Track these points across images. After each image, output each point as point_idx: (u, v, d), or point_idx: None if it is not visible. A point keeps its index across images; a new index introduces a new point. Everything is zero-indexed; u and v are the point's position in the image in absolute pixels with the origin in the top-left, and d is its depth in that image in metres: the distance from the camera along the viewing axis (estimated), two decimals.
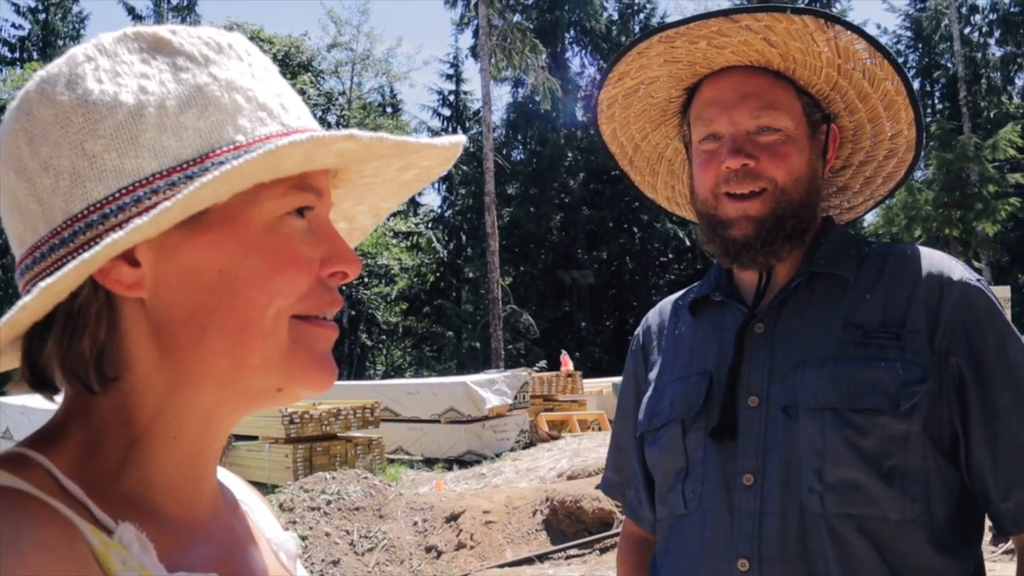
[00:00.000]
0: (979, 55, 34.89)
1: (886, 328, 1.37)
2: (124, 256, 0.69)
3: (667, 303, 1.72)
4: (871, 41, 1.43)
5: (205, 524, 0.79)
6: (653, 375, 1.62)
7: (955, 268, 1.42)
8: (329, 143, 0.69)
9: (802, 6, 1.41)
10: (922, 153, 1.60)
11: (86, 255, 0.64)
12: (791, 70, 1.47)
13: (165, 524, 0.73)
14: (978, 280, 1.42)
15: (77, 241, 0.68)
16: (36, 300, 0.65)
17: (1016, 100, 35.37)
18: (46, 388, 0.74)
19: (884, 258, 1.46)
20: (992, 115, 32.41)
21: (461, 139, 0.79)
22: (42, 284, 0.64)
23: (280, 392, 0.75)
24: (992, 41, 35.81)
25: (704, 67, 1.50)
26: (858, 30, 1.42)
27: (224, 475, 0.90)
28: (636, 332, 1.75)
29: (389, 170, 0.83)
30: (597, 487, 8.47)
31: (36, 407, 10.62)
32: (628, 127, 1.66)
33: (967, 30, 34.69)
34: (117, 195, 0.68)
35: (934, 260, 1.43)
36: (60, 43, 36.35)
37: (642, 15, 40.89)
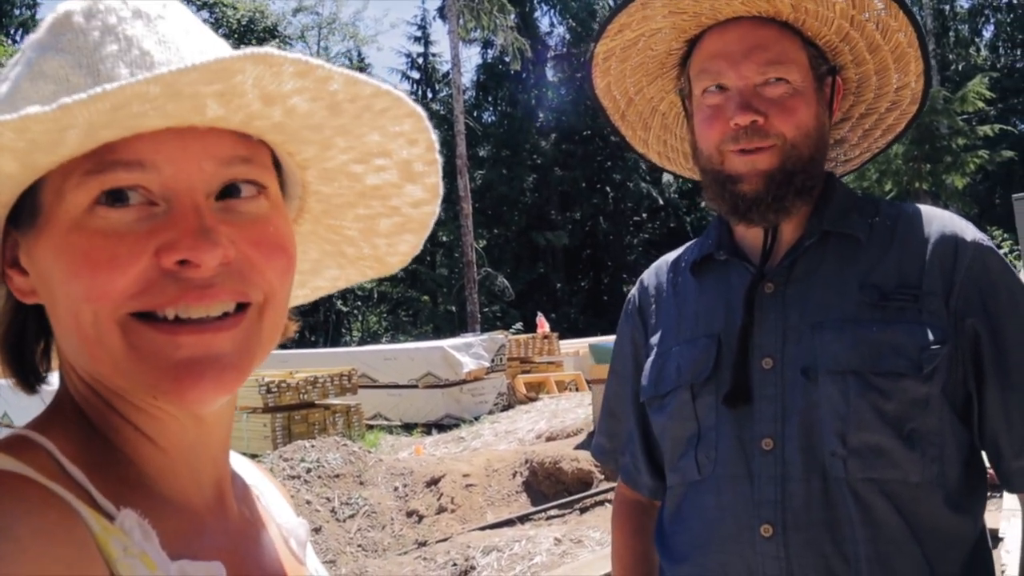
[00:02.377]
0: (947, 7, 34.96)
1: (903, 290, 1.35)
2: (16, 266, 0.71)
3: (663, 263, 1.67)
4: None
5: (211, 511, 0.77)
6: (655, 339, 1.57)
7: (967, 229, 1.40)
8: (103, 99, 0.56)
9: None
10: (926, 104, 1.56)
11: None
12: (800, 21, 1.42)
13: (168, 511, 0.72)
14: (989, 240, 1.41)
15: None
16: None
17: (984, 52, 35.53)
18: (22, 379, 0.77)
19: (895, 218, 1.43)
20: (960, 68, 32.56)
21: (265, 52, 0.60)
22: None
23: (158, 400, 0.69)
24: None
25: (709, 18, 1.43)
26: None
27: (236, 460, 0.89)
28: (631, 293, 1.70)
29: (300, 111, 0.68)
30: (587, 451, 8.53)
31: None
32: (623, 81, 1.60)
33: None
34: None
35: (945, 221, 1.41)
36: (16, 12, 35.54)
37: None
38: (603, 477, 8.38)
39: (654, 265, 1.69)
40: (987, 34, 37.55)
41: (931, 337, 1.32)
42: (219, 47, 0.73)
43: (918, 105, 1.54)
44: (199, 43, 0.71)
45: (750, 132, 1.37)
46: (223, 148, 0.69)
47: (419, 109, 0.73)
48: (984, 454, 1.39)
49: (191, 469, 0.76)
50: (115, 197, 0.65)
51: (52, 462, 0.67)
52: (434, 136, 0.77)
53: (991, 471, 1.40)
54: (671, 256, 1.67)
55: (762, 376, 1.38)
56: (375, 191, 0.83)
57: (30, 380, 0.77)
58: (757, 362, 1.39)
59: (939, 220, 1.41)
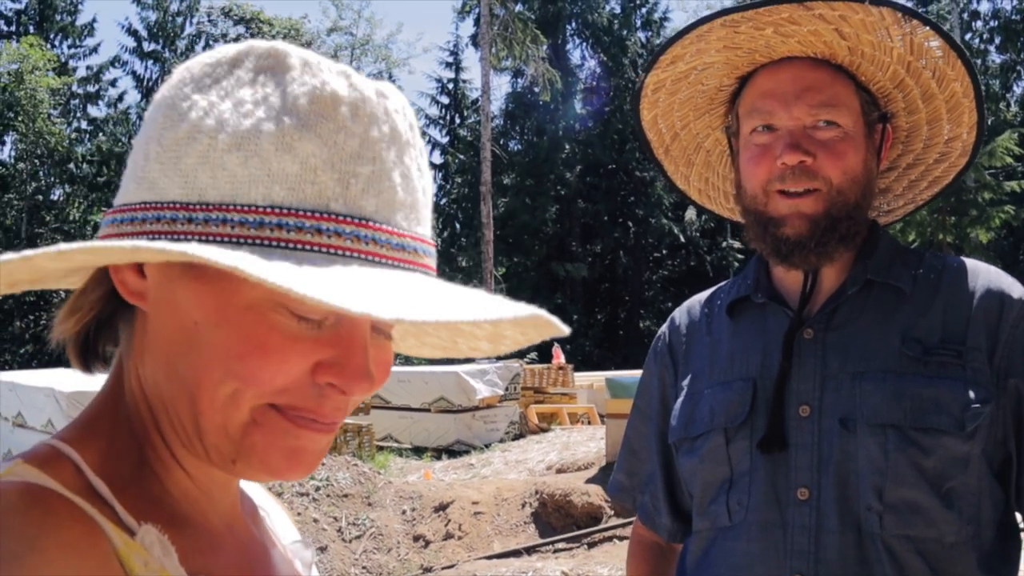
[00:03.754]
0: (979, 61, 34.94)
1: (946, 345, 1.33)
2: (135, 264, 0.70)
3: (696, 302, 1.64)
4: (947, 39, 1.36)
5: (225, 529, 0.78)
6: (686, 380, 1.55)
7: (1014, 287, 1.38)
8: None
9: None
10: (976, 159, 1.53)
11: (98, 244, 0.62)
12: (856, 65, 1.40)
13: (186, 528, 0.73)
14: None
15: (106, 229, 0.70)
16: (50, 256, 0.62)
17: (1014, 108, 35.46)
18: (86, 364, 0.77)
19: (940, 271, 1.41)
20: (990, 122, 32.46)
21: (535, 312, 0.67)
22: (63, 247, 0.61)
23: (235, 464, 0.70)
24: (992, 48, 35.88)
25: (764, 56, 1.42)
26: (935, 27, 1.35)
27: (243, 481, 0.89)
28: (661, 331, 1.67)
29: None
30: (598, 484, 8.44)
31: (25, 384, 10.54)
32: (670, 114, 1.58)
33: (968, 36, 34.72)
34: (140, 206, 0.68)
35: (992, 276, 1.39)
36: (58, 17, 36.10)
37: (644, 9, 40.81)
38: (613, 512, 8.31)
39: (686, 303, 1.67)
40: (1018, 90, 37.48)
41: (974, 395, 1.29)
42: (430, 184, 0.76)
43: (968, 158, 1.52)
44: (426, 178, 0.75)
45: (797, 172, 1.35)
46: None
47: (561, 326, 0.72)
48: (1020, 516, 1.37)
49: (212, 498, 0.77)
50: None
51: (78, 475, 0.68)
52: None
53: None
54: (704, 295, 1.65)
55: (799, 423, 1.36)
56: (456, 330, 0.86)
57: (90, 364, 0.77)
58: (794, 409, 1.37)
59: (985, 275, 1.39)
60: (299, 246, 0.64)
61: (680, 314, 1.65)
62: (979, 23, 35.60)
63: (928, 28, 1.35)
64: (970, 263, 1.42)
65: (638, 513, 1.69)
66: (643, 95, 1.55)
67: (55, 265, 0.66)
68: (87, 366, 0.76)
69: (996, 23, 35.09)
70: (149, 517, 0.69)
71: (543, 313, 0.68)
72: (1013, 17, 34.43)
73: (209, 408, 0.68)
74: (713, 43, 1.41)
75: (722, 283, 1.64)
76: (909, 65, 1.40)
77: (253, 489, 0.92)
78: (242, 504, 0.85)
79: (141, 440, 0.73)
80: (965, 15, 34.43)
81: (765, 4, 1.33)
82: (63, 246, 0.60)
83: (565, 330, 0.70)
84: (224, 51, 0.71)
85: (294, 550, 0.89)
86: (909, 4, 1.33)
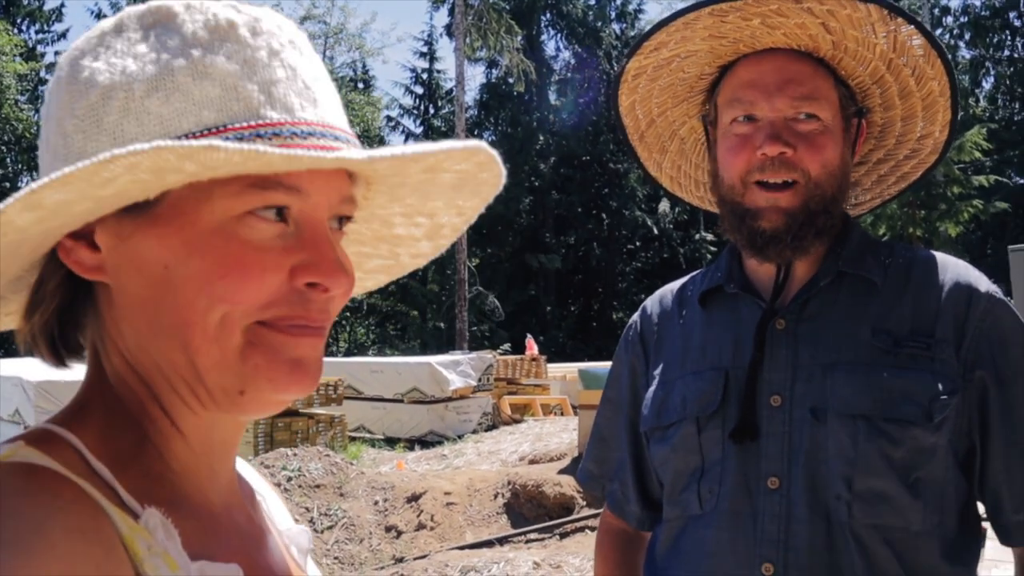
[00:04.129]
0: (949, 57, 35.30)
1: (915, 337, 1.35)
2: (84, 239, 0.69)
3: (667, 291, 1.65)
4: (930, 38, 1.38)
5: (225, 513, 0.78)
6: (657, 369, 1.55)
7: (981, 281, 1.40)
8: (258, 157, 0.61)
9: None
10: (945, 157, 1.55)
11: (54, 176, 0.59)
12: (837, 59, 1.41)
13: (186, 510, 0.72)
14: (1002, 294, 1.41)
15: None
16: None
17: (983, 103, 35.88)
18: (59, 357, 0.76)
19: (910, 263, 1.43)
20: (959, 117, 32.83)
21: (475, 144, 0.71)
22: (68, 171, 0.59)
23: (243, 395, 0.71)
24: (962, 44, 36.27)
25: (748, 46, 1.41)
26: (920, 25, 1.37)
27: (241, 465, 0.89)
28: (632, 320, 1.68)
29: (414, 174, 0.77)
30: (571, 476, 8.46)
31: None
32: (648, 101, 1.57)
33: (938, 31, 35.06)
34: None
35: (960, 270, 1.41)
36: (25, 2, 35.54)
37: (618, 1, 40.83)
38: (585, 503, 8.34)
39: (658, 293, 1.67)
40: (987, 85, 37.94)
41: (942, 387, 1.31)
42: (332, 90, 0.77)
43: (938, 156, 1.54)
44: (328, 84, 0.76)
45: (777, 163, 1.36)
46: (345, 187, 0.74)
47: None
48: (981, 506, 1.39)
49: (211, 468, 0.77)
50: (278, 212, 0.69)
51: (78, 458, 0.67)
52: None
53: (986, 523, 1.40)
54: (676, 284, 1.65)
55: (770, 413, 1.37)
56: (394, 239, 0.90)
57: (62, 357, 0.76)
58: (766, 398, 1.38)
59: (953, 269, 1.41)
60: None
61: (652, 303, 1.66)
62: (949, 19, 35.99)
63: (912, 27, 1.36)
64: (939, 256, 1.44)
65: (607, 501, 1.69)
66: (623, 80, 1.54)
67: (36, 223, 0.63)
68: (61, 360, 0.76)
69: (966, 19, 35.49)
70: (151, 498, 0.68)
71: (484, 146, 0.70)
72: (983, 13, 34.84)
73: (203, 343, 0.68)
74: (699, 31, 1.41)
75: (694, 272, 1.64)
76: (890, 62, 1.41)
77: (250, 474, 0.92)
78: (240, 488, 0.85)
79: (137, 416, 0.72)
80: (936, 11, 34.78)
81: None
82: (68, 171, 0.58)
83: (501, 173, 0.77)
84: (103, 23, 0.72)
85: (291, 536, 0.89)
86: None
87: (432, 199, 0.82)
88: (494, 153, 0.73)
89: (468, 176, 0.77)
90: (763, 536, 1.33)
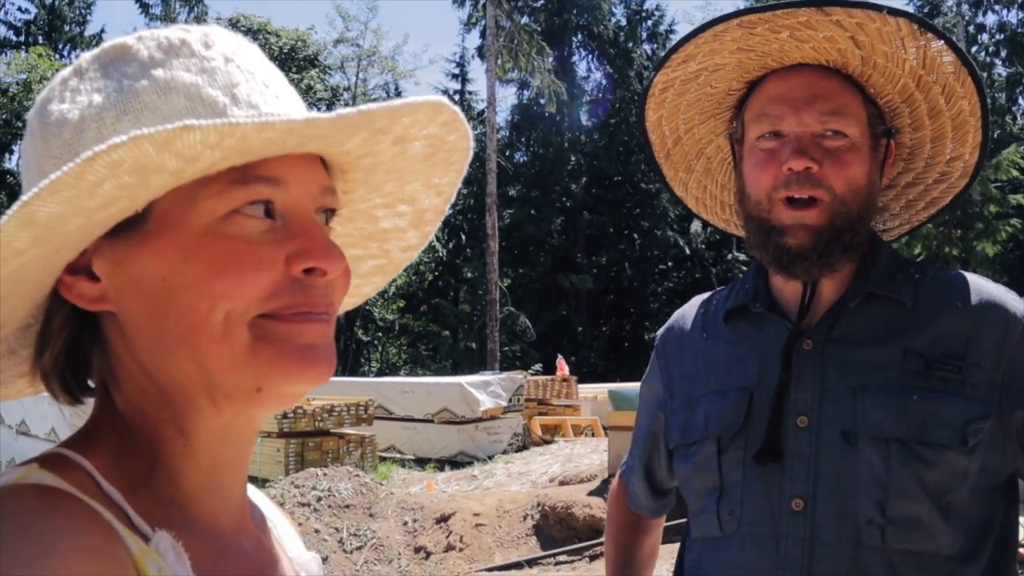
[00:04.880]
0: (985, 75, 34.94)
1: (947, 360, 1.32)
2: (83, 272, 0.71)
3: (691, 309, 1.64)
4: (960, 55, 1.35)
5: (234, 536, 0.78)
6: (683, 386, 1.55)
7: (1017, 303, 1.37)
8: (229, 130, 0.62)
9: (898, 7, 1.32)
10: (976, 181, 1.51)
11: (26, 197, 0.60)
12: (866, 76, 1.40)
13: (196, 534, 0.73)
14: None
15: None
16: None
17: (1020, 121, 35.43)
18: (67, 394, 0.77)
19: (942, 285, 1.40)
20: (996, 135, 32.43)
21: (435, 99, 0.71)
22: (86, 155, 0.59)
23: (261, 392, 0.72)
24: (998, 61, 35.89)
25: (776, 60, 1.40)
26: (950, 41, 1.34)
27: (252, 492, 0.90)
28: (658, 337, 1.68)
29: (384, 150, 0.77)
30: (601, 497, 8.39)
31: None
32: (675, 116, 1.56)
33: (974, 49, 34.75)
34: None
35: (994, 292, 1.38)
36: (66, 28, 36.31)
37: (650, 22, 40.90)
38: None
39: (682, 309, 1.66)
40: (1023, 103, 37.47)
41: (974, 411, 1.29)
42: (290, 90, 0.79)
43: (968, 180, 1.50)
44: (286, 83, 0.79)
45: (802, 179, 1.34)
46: (323, 177, 0.76)
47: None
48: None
49: (221, 487, 0.77)
50: (265, 210, 0.71)
51: (90, 481, 0.68)
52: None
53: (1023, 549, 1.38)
54: (699, 299, 1.64)
55: (796, 434, 1.35)
56: (382, 234, 0.91)
57: (75, 394, 0.77)
58: (791, 419, 1.36)
59: (987, 291, 1.38)
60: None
61: (676, 319, 1.65)
62: (985, 36, 35.62)
63: (943, 43, 1.34)
64: (973, 278, 1.41)
65: (623, 482, 1.79)
66: (651, 94, 1.53)
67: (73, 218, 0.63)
68: (74, 397, 0.77)
69: (1002, 36, 35.11)
70: (161, 521, 0.69)
71: (445, 101, 0.72)
72: (1019, 30, 34.46)
73: (211, 345, 0.69)
74: (727, 44, 1.39)
75: (719, 288, 1.63)
76: (920, 79, 1.39)
77: (261, 500, 0.92)
78: (251, 514, 0.85)
79: (149, 441, 0.73)
80: (971, 28, 34.46)
81: (784, 6, 1.31)
82: (86, 155, 0.59)
83: (468, 133, 0.78)
84: (62, 72, 0.74)
85: (301, 563, 0.89)
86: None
87: (408, 180, 0.84)
88: (456, 109, 0.74)
89: (438, 142, 0.78)
90: (786, 559, 1.32)
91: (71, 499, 0.65)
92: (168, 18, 36.61)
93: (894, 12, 1.29)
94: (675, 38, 41.18)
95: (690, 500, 1.49)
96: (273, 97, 0.73)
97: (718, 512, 1.40)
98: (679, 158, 1.63)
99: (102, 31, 37.51)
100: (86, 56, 0.74)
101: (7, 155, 33.16)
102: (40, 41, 34.79)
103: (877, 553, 1.28)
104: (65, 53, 36.31)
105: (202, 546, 0.72)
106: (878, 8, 1.29)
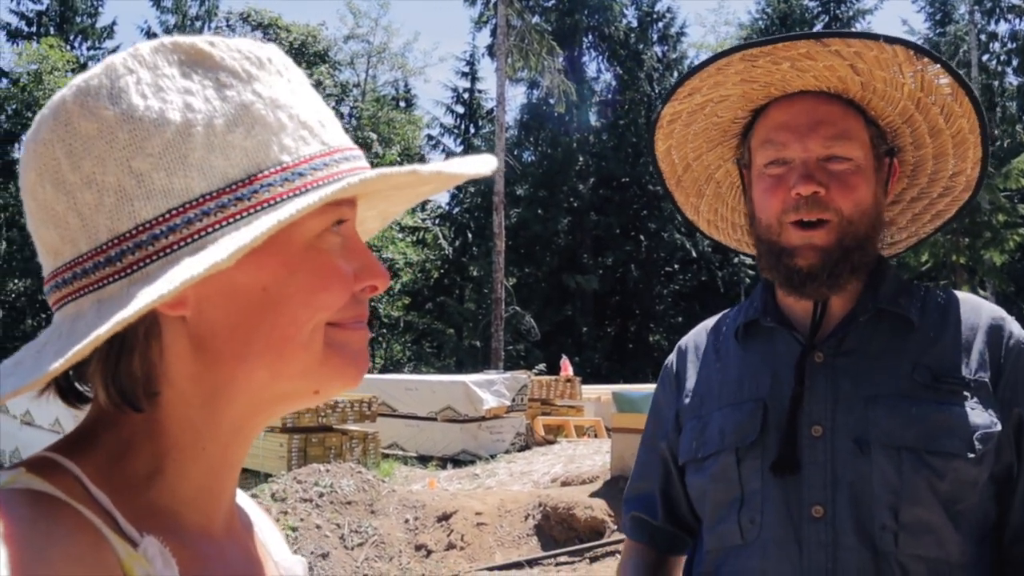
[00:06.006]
0: (996, 83, 34.88)
1: (954, 374, 1.38)
2: None
3: (702, 329, 1.69)
4: (956, 77, 1.43)
5: (223, 540, 0.78)
6: (694, 404, 1.58)
7: (1013, 324, 1.45)
8: (391, 178, 0.71)
9: (893, 35, 1.40)
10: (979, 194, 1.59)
11: (164, 290, 0.62)
12: (867, 100, 1.46)
13: (185, 538, 0.73)
14: None
15: (125, 260, 0.67)
16: (109, 330, 0.63)
17: None
18: (73, 398, 0.75)
19: (946, 303, 1.47)
20: (1006, 144, 32.35)
21: (493, 161, 0.79)
22: (117, 317, 0.62)
23: (317, 394, 0.76)
24: (1010, 70, 35.80)
25: (779, 89, 1.47)
26: (946, 65, 1.41)
27: (239, 496, 0.90)
28: (669, 361, 1.71)
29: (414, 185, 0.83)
30: (602, 499, 8.39)
31: None
32: (684, 146, 1.63)
33: (985, 57, 34.66)
34: (167, 216, 0.67)
35: (994, 313, 1.46)
36: (78, 19, 36.37)
37: (661, 24, 40.83)
38: (616, 527, 8.27)
39: (693, 332, 1.71)
40: None
41: (982, 422, 1.35)
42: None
43: (971, 193, 1.57)
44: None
45: (810, 203, 1.39)
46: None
47: None
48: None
49: (220, 491, 0.78)
50: (336, 224, 0.76)
51: (78, 485, 0.68)
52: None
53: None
54: (710, 322, 1.69)
55: (811, 443, 1.39)
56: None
57: (77, 397, 0.76)
58: (806, 429, 1.40)
59: (988, 312, 1.46)
60: (335, 178, 0.73)
61: (687, 341, 1.70)
62: (996, 45, 35.49)
63: (939, 66, 1.41)
64: (972, 299, 1.49)
65: (628, 528, 1.71)
66: (659, 126, 1.60)
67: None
68: (78, 398, 0.75)
69: (1014, 45, 35.00)
70: (149, 526, 0.69)
71: (492, 163, 0.79)
72: None
73: (295, 350, 0.73)
74: (731, 76, 1.46)
75: (727, 310, 1.68)
76: (919, 101, 1.45)
77: (247, 504, 0.92)
78: (239, 517, 0.85)
79: (162, 445, 0.72)
80: (982, 36, 34.35)
81: (784, 40, 1.38)
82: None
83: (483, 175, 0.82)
84: (114, 62, 0.72)
85: (286, 566, 0.89)
86: (922, 40, 1.35)
87: (396, 206, 0.90)
88: (490, 171, 0.78)
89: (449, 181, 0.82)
90: (810, 564, 1.35)
91: (59, 504, 0.64)
92: (179, 11, 36.69)
93: (890, 40, 1.37)
94: (687, 41, 41.10)
95: (706, 513, 1.51)
96: (331, 123, 0.77)
97: (739, 521, 1.43)
98: (689, 184, 1.70)
99: (113, 23, 37.53)
100: (145, 49, 0.72)
101: (16, 145, 33.24)
102: (51, 32, 34.84)
103: (892, 559, 1.32)
104: (76, 44, 36.39)
105: (190, 550, 0.72)
106: (875, 37, 1.37)
